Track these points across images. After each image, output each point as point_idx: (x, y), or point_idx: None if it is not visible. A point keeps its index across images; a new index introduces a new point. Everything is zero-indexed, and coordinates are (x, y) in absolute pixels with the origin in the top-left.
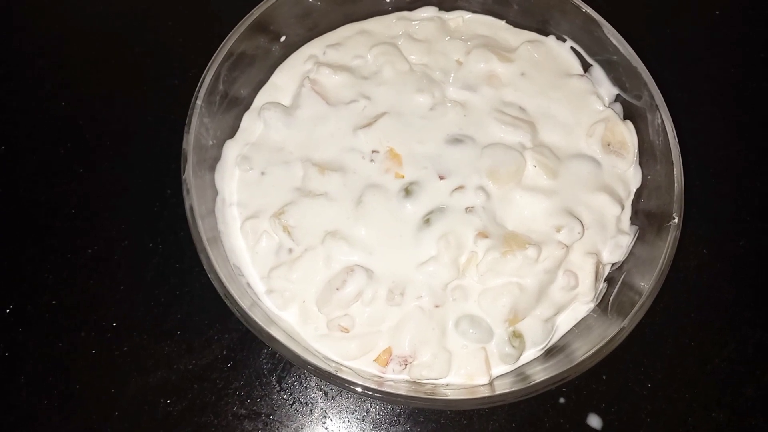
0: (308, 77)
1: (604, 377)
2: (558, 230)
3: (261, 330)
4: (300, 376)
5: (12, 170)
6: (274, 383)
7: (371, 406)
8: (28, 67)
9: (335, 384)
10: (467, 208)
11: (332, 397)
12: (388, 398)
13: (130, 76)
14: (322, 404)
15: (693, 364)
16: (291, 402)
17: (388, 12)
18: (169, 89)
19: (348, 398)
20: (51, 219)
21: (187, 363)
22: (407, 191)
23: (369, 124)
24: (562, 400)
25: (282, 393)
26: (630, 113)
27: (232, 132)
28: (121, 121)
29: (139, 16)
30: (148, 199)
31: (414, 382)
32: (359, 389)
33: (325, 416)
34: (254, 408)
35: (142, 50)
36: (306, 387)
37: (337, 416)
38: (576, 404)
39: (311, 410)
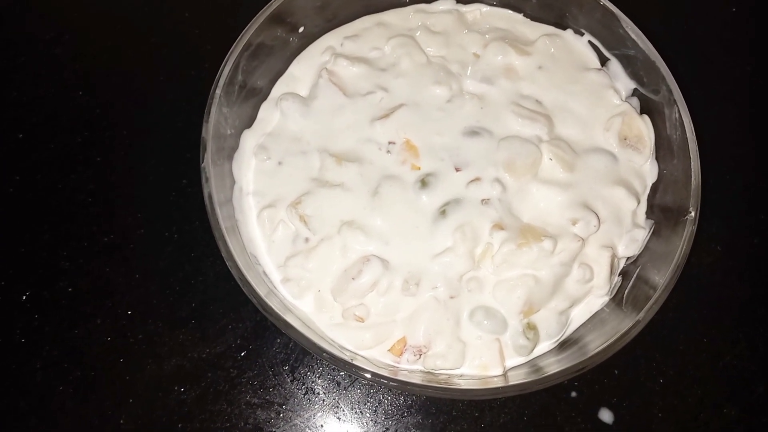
0: (326, 68)
1: (616, 372)
2: (574, 223)
3: (278, 317)
4: (313, 366)
5: (29, 157)
6: (287, 373)
7: (383, 397)
8: (46, 56)
9: (350, 372)
10: (483, 200)
11: (345, 388)
12: (403, 387)
13: (147, 67)
14: (334, 394)
15: (705, 360)
16: (304, 392)
17: (405, 4)
18: (186, 80)
19: (360, 389)
20: (67, 207)
21: (201, 351)
22: (423, 182)
23: (386, 116)
24: (573, 394)
25: (295, 383)
26: (647, 108)
27: (249, 122)
28: (138, 110)
29: (157, 7)
30: (164, 188)
31: (428, 372)
32: (372, 377)
33: (337, 406)
34: (267, 397)
35: (159, 41)
36: (319, 377)
37: (350, 407)
38: (588, 398)
39: (324, 400)
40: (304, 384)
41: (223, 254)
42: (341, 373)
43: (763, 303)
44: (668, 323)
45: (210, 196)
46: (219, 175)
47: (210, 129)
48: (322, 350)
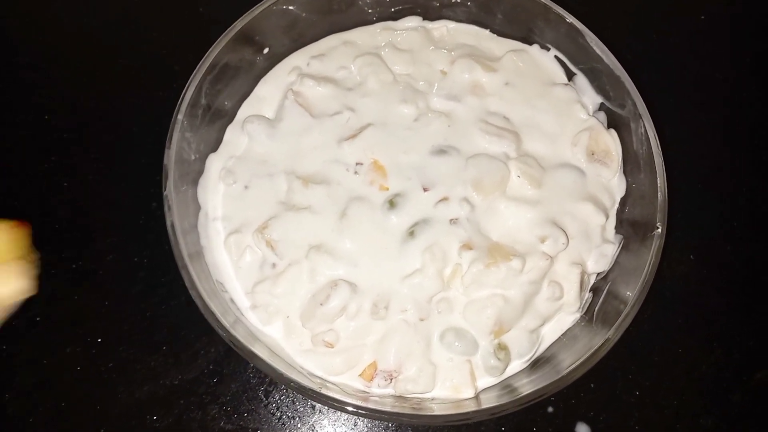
0: (292, 89)
1: (592, 385)
2: (542, 241)
3: (243, 348)
4: (287, 390)
5: None
6: (261, 397)
7: (359, 420)
8: (14, 79)
9: (319, 401)
10: (451, 219)
11: (320, 411)
12: (374, 415)
13: (116, 88)
14: (309, 418)
15: (681, 371)
16: (278, 416)
17: (372, 22)
18: (155, 101)
19: (335, 412)
20: (36, 233)
21: (173, 377)
22: (391, 203)
23: (353, 136)
24: (550, 409)
25: (269, 407)
26: (614, 122)
27: (215, 145)
28: (107, 133)
29: (125, 28)
30: (134, 212)
31: (400, 396)
32: (346, 407)
33: (313, 430)
34: (241, 423)
35: (128, 62)
36: (293, 401)
37: (326, 430)
38: (564, 413)
39: (299, 424)
40: (278, 408)
41: (187, 283)
42: None
43: (737, 311)
44: (643, 335)
45: (173, 225)
46: (183, 201)
47: (172, 155)
48: (290, 380)
